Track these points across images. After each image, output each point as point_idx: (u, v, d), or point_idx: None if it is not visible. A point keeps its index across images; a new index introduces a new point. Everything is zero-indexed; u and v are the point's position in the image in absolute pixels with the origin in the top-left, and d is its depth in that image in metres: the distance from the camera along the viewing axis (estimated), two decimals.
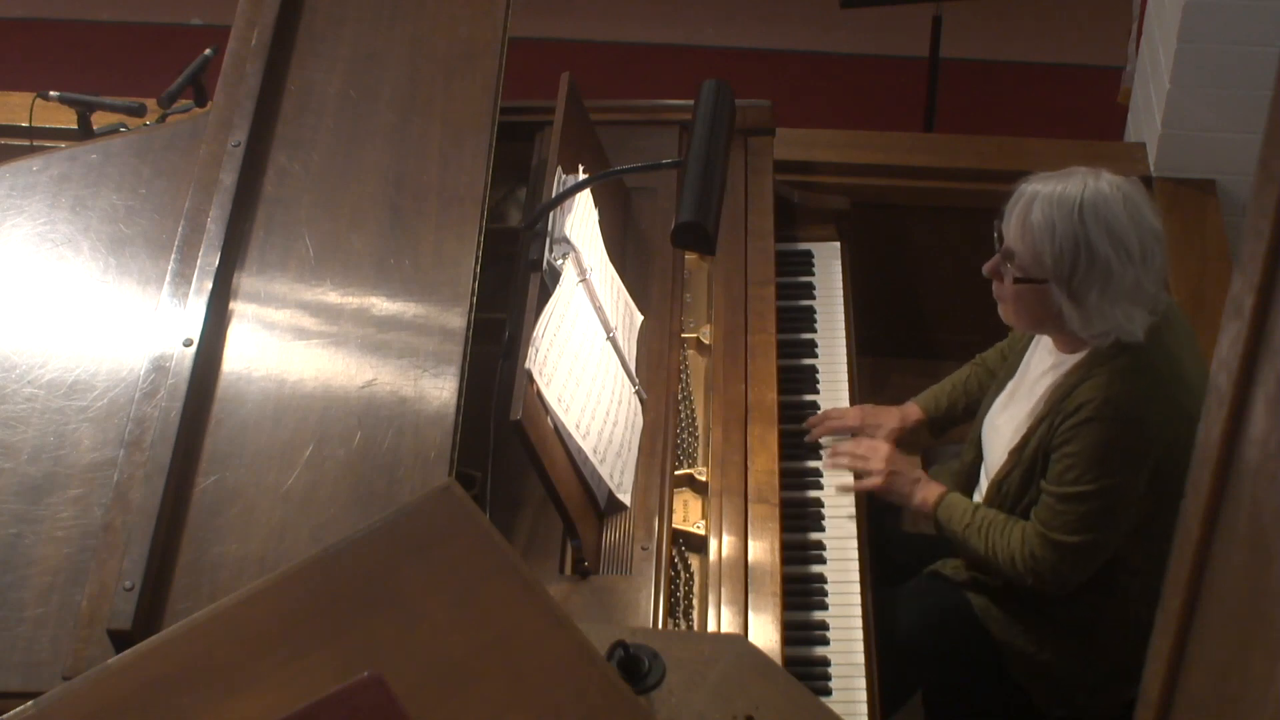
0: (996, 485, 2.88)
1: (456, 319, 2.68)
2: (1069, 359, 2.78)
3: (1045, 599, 2.89)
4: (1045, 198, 2.64)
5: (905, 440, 3.18)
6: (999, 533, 2.84)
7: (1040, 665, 2.92)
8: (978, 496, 2.98)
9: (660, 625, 2.59)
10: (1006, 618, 2.93)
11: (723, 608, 2.68)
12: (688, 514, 2.85)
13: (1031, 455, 2.80)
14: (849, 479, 3.05)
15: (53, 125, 3.79)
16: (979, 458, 2.99)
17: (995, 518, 2.86)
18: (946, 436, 3.34)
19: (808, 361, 3.30)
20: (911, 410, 3.19)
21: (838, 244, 3.54)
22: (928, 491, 2.95)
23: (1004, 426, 2.90)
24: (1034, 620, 2.92)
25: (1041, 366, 2.85)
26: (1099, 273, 2.62)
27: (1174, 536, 2.89)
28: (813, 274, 3.46)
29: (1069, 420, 2.72)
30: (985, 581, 2.95)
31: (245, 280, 2.74)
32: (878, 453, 3.00)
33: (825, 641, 2.79)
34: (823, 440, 3.14)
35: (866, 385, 3.29)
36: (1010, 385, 2.93)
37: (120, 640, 2.30)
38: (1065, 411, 2.73)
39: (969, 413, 3.16)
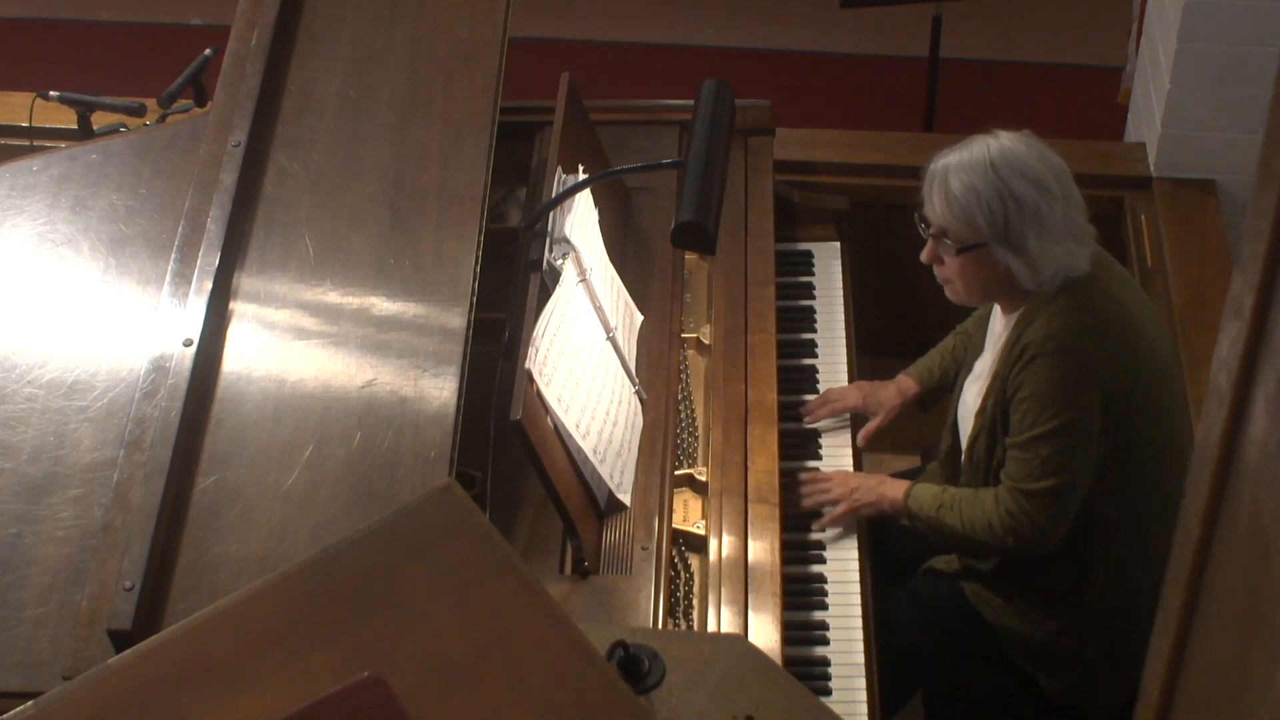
0: (969, 454, 2.91)
1: (456, 319, 2.68)
2: (1013, 317, 2.84)
3: (1033, 573, 2.90)
4: (957, 167, 2.75)
5: (904, 415, 3.21)
6: (969, 504, 2.86)
7: (1039, 646, 2.93)
8: (962, 479, 2.99)
9: (660, 625, 2.60)
10: (999, 601, 2.94)
11: (723, 608, 2.68)
12: (688, 514, 2.85)
13: (992, 414, 2.84)
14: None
15: (53, 125, 3.79)
16: (957, 441, 3.01)
17: (963, 493, 2.90)
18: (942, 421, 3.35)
19: (808, 361, 3.30)
20: (908, 384, 3.22)
21: (838, 244, 3.54)
22: (895, 491, 2.96)
23: (972, 402, 2.94)
24: (1025, 599, 2.93)
25: (995, 333, 2.92)
26: (1030, 217, 2.71)
27: (1150, 484, 2.91)
28: (813, 274, 3.47)
29: (1017, 365, 2.77)
30: (976, 569, 2.96)
31: (245, 280, 2.74)
32: (834, 481, 3.01)
33: (825, 641, 2.79)
34: (822, 424, 3.18)
35: None
36: (977, 365, 2.99)
37: (120, 640, 2.30)
38: (1013, 359, 2.78)
39: (959, 381, 3.19)
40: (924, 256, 2.85)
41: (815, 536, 2.96)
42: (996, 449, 2.85)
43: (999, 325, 2.90)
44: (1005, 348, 2.82)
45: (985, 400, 2.85)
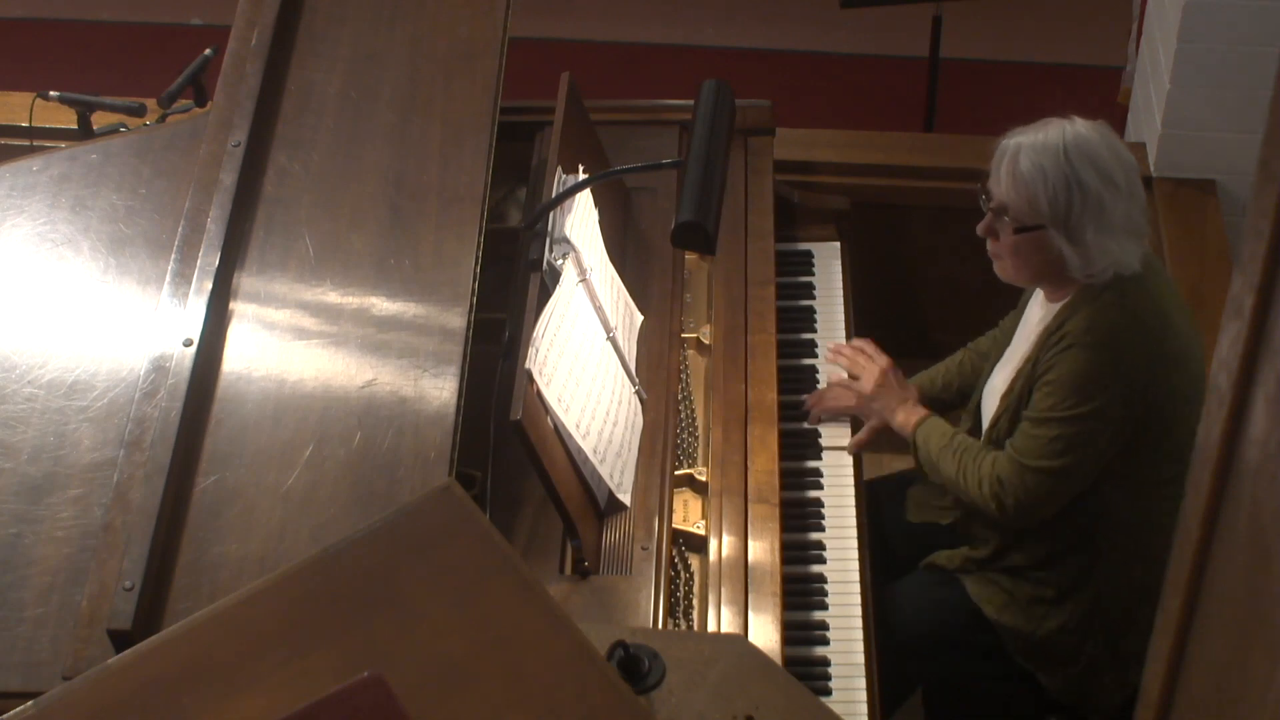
0: (989, 433, 2.92)
1: (456, 319, 2.68)
2: (1055, 305, 2.84)
3: (1034, 567, 2.91)
4: (1030, 147, 2.73)
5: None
6: (972, 457, 2.88)
7: (1040, 643, 2.93)
8: None
9: (660, 625, 2.59)
10: (1001, 597, 2.94)
11: (723, 608, 2.68)
12: (688, 514, 2.85)
13: (1019, 394, 2.85)
14: (845, 437, 3.13)
15: (53, 125, 3.79)
16: (978, 424, 3.02)
17: (972, 444, 2.92)
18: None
19: (808, 361, 3.30)
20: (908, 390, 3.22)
21: (838, 244, 3.54)
22: (912, 413, 3.01)
23: (1000, 384, 2.95)
24: (1028, 595, 2.93)
25: (1033, 320, 2.92)
26: (1092, 209, 2.70)
27: (1156, 486, 2.88)
28: (813, 274, 3.46)
29: (1052, 350, 2.78)
30: (978, 564, 2.96)
31: (245, 280, 2.74)
32: (873, 365, 3.10)
33: (825, 641, 2.79)
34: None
35: None
36: (1007, 352, 2.99)
37: (120, 640, 2.30)
38: (1050, 345, 2.79)
39: (961, 396, 3.21)
40: (980, 229, 2.83)
41: (816, 536, 2.96)
42: (1015, 427, 2.86)
43: (1038, 312, 2.90)
44: (1043, 334, 2.82)
45: (1014, 382, 2.86)
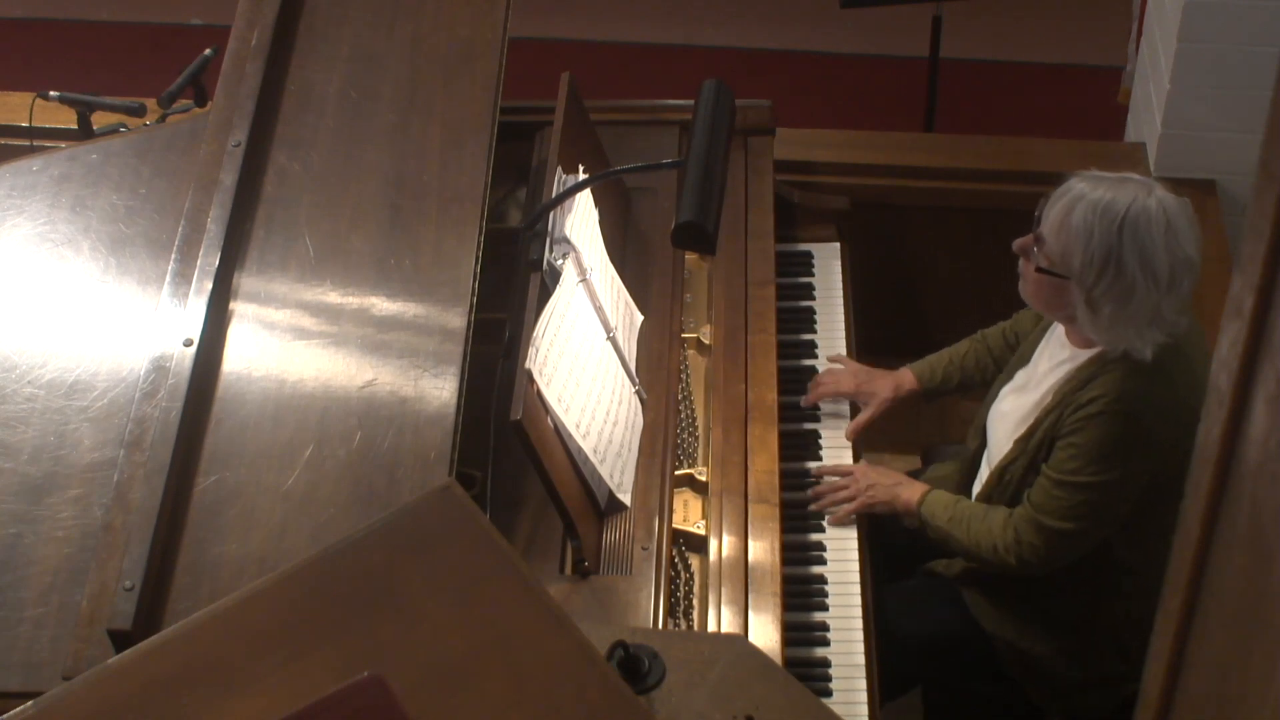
0: (999, 473, 2.88)
1: (456, 319, 2.68)
2: (1083, 353, 2.78)
3: (1038, 593, 2.90)
4: (1091, 203, 2.64)
5: (898, 408, 3.19)
6: (978, 522, 2.86)
7: (1033, 661, 2.93)
8: (979, 484, 2.98)
9: (660, 625, 2.59)
10: (999, 612, 2.94)
11: (723, 608, 2.68)
12: (688, 514, 2.85)
13: (1037, 445, 2.81)
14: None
15: (53, 125, 3.79)
16: (984, 445, 2.99)
17: (974, 509, 2.89)
18: (945, 436, 3.34)
19: (808, 362, 3.29)
20: (906, 378, 3.19)
21: (838, 244, 3.54)
22: (910, 493, 2.96)
23: (1010, 414, 2.90)
24: (1026, 616, 2.93)
25: (1054, 359, 2.85)
26: (1121, 290, 2.62)
27: (1172, 537, 2.85)
28: (813, 274, 3.46)
29: (1079, 412, 2.72)
30: (977, 575, 2.96)
31: (245, 280, 2.74)
32: (851, 478, 3.01)
33: (825, 642, 2.79)
34: (818, 403, 3.18)
35: None
36: (1020, 375, 2.93)
37: (120, 640, 2.30)
38: (1076, 403, 2.73)
39: (962, 388, 3.17)
40: (1016, 245, 2.77)
41: (816, 537, 2.96)
42: (1032, 477, 2.82)
43: (1061, 351, 2.83)
44: (1068, 385, 2.76)
45: (1032, 430, 2.81)
